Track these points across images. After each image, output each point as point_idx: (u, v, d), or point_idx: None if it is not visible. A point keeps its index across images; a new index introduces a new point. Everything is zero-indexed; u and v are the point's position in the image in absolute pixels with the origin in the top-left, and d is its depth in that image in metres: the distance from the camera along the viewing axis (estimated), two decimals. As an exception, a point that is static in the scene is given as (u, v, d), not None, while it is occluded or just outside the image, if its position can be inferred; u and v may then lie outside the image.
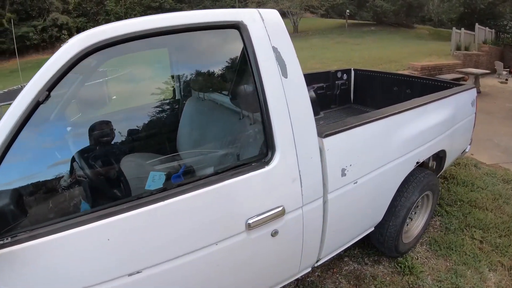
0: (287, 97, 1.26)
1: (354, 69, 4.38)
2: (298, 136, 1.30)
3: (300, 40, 19.85)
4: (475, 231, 2.64)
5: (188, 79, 1.50)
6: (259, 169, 1.24)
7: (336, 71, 4.32)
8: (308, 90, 4.13)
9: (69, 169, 1.30)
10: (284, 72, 1.25)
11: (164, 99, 1.44)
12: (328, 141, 1.43)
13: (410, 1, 22.47)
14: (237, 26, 1.22)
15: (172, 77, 1.57)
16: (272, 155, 1.25)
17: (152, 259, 1.17)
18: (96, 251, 1.11)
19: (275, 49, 1.24)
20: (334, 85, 4.26)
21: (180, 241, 1.20)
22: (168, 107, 1.44)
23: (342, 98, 4.30)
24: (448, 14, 22.82)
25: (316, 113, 4.33)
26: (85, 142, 1.43)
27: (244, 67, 1.25)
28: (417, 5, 23.15)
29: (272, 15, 1.28)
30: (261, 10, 1.27)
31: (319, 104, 4.03)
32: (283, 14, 23.78)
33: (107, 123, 1.44)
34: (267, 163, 1.25)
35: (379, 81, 3.98)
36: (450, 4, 21.85)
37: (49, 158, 1.28)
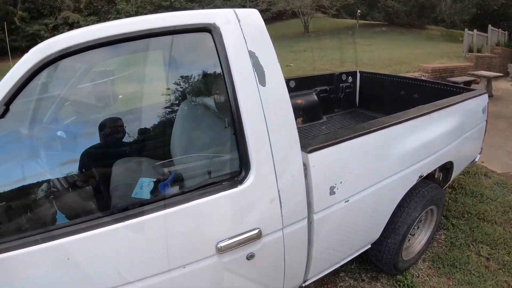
0: (264, 108, 1.12)
1: (360, 72, 4.21)
2: (278, 152, 1.17)
3: (310, 40, 19.61)
4: (482, 247, 2.47)
5: (156, 89, 1.39)
6: (230, 188, 1.11)
7: (341, 73, 4.16)
8: (311, 94, 3.97)
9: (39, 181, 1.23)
10: (261, 80, 1.12)
11: (130, 109, 1.34)
12: (313, 157, 1.29)
13: (422, 1, 22.00)
14: (209, 29, 1.10)
15: (140, 85, 1.46)
16: (246, 174, 1.12)
17: (114, 281, 1.09)
18: (56, 270, 1.04)
19: (252, 54, 1.11)
20: (338, 88, 4.09)
21: (144, 262, 1.11)
22: (132, 117, 1.34)
23: (347, 102, 4.14)
24: (460, 15, 22.28)
25: (318, 117, 4.19)
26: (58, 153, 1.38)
27: (216, 75, 1.13)
28: (429, 6, 22.67)
29: (251, 15, 1.15)
30: (239, 10, 1.14)
31: (322, 108, 3.88)
32: (294, 14, 23.51)
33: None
34: (240, 182, 1.11)
35: (386, 85, 3.81)
36: (463, 5, 21.31)
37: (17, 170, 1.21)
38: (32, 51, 1.04)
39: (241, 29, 1.11)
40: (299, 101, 3.66)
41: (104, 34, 1.03)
